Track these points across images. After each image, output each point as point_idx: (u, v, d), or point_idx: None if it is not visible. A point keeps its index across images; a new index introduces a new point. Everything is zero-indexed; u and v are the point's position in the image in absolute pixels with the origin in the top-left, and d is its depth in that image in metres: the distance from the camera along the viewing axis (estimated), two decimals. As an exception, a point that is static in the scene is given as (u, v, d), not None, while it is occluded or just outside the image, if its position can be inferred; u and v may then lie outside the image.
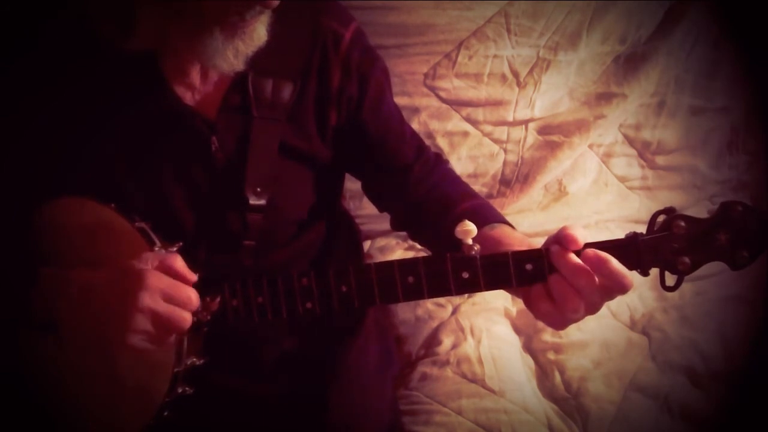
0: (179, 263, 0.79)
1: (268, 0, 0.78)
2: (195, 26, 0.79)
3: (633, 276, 0.75)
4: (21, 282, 0.82)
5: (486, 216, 0.93)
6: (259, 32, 0.82)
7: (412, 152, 1.03)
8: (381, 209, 1.08)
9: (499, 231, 0.88)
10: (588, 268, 0.72)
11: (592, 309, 0.74)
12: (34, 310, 0.81)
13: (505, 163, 1.61)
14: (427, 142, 1.51)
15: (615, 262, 0.72)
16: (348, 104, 0.96)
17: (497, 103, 1.57)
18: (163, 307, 0.76)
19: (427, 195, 1.01)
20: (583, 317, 0.74)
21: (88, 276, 0.79)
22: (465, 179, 1.09)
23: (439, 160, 1.06)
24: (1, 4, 0.87)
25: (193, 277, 0.80)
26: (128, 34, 0.81)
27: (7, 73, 0.86)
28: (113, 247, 0.84)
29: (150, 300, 0.75)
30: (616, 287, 0.73)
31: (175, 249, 0.85)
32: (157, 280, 0.76)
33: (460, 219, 0.77)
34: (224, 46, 0.81)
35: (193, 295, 0.78)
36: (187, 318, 0.77)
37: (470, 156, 1.58)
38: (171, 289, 0.77)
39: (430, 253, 1.05)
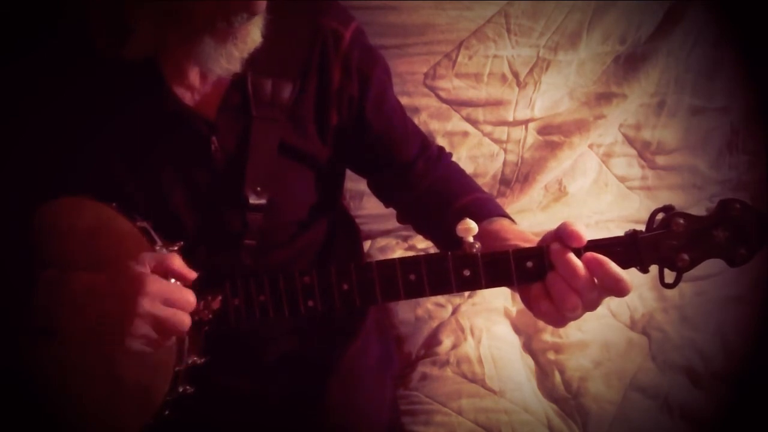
0: (177, 263, 0.80)
1: (253, 6, 0.78)
2: (188, 33, 0.80)
3: (633, 275, 0.75)
4: (21, 286, 0.82)
5: (488, 210, 0.93)
6: (253, 36, 0.82)
7: (416, 148, 1.04)
8: (386, 204, 1.09)
9: (498, 225, 0.89)
10: (585, 267, 0.73)
11: (591, 306, 0.74)
12: (34, 314, 0.81)
13: (505, 163, 1.60)
14: (428, 141, 1.51)
15: (613, 265, 0.73)
16: (349, 104, 0.97)
17: (497, 103, 1.57)
18: (162, 310, 0.76)
19: (429, 189, 1.02)
20: (582, 315, 0.74)
21: (87, 280, 0.80)
22: (465, 178, 1.10)
23: (442, 154, 1.07)
24: (2, 6, 0.87)
25: (193, 274, 0.80)
26: (126, 45, 0.81)
27: (7, 74, 0.87)
28: (114, 247, 0.84)
29: (149, 305, 0.76)
30: (614, 290, 0.73)
31: (176, 248, 0.85)
32: (156, 285, 0.77)
33: (460, 214, 0.77)
34: (217, 51, 0.81)
35: (191, 297, 0.79)
36: (186, 320, 0.78)
37: (470, 156, 1.58)
38: (170, 292, 0.77)
39: (435, 245, 1.06)
